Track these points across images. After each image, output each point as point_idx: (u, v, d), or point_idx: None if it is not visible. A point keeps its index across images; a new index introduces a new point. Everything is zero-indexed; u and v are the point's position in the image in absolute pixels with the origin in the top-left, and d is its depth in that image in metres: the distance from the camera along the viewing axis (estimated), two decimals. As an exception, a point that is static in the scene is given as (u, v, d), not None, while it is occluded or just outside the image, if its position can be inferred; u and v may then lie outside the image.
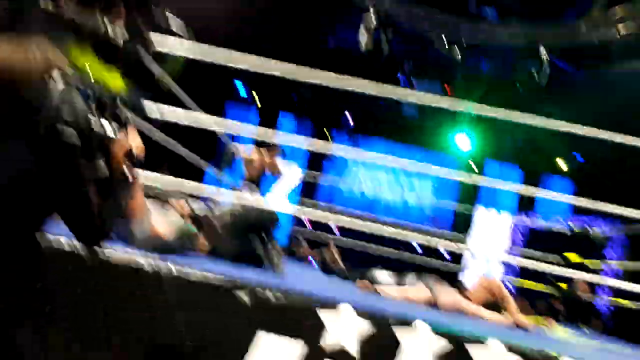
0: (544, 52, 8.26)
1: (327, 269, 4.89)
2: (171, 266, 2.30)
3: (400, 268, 8.17)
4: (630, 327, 8.03)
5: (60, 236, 2.26)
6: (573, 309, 6.80)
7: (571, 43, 8.36)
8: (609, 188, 10.65)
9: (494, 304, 3.87)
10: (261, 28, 10.48)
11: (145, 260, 2.31)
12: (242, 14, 9.59)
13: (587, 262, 5.93)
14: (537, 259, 6.03)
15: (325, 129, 13.81)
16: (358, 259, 7.60)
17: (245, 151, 5.80)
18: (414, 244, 12.59)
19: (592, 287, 8.60)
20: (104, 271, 2.26)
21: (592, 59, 9.66)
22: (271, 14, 10.16)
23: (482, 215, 13.21)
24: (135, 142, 1.63)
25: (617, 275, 10.29)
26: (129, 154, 1.61)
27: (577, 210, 12.24)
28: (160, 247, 2.66)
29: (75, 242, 2.25)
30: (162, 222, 3.02)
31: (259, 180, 5.65)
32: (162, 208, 3.28)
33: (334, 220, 3.33)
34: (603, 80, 10.24)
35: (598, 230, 9.17)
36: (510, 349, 2.21)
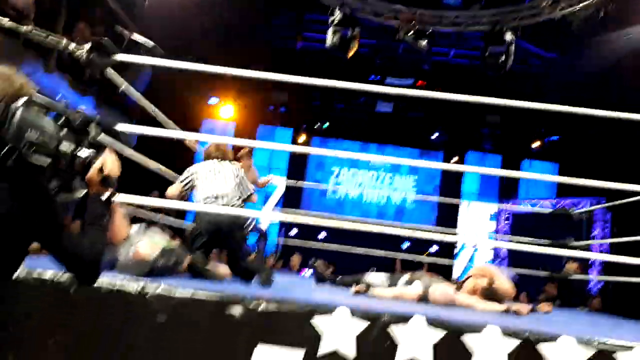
0: (509, 35, 8.40)
1: (320, 277, 4.85)
2: (159, 288, 2.25)
3: (392, 267, 8.26)
4: (625, 302, 8.12)
5: (44, 269, 2.21)
6: (567, 292, 6.84)
7: (534, 22, 8.55)
8: (588, 165, 10.84)
9: (490, 293, 3.86)
10: (228, 33, 10.49)
11: (131, 284, 2.25)
12: (208, 22, 9.61)
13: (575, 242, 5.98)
14: (525, 244, 6.06)
15: (303, 134, 13.84)
16: (350, 263, 7.57)
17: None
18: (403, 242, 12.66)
19: (584, 267, 8.68)
20: (92, 299, 2.21)
21: (556, 37, 9.88)
22: (238, 17, 10.18)
23: (466, 206, 13.29)
24: (109, 164, 1.60)
25: (603, 252, 10.42)
26: (103, 176, 1.58)
27: (560, 191, 12.43)
28: (145, 269, 2.60)
29: (60, 275, 2.20)
30: (145, 243, 2.96)
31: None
32: (145, 230, 3.22)
33: (321, 223, 3.30)
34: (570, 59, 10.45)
35: (582, 209, 9.26)
36: (506, 333, 2.20)
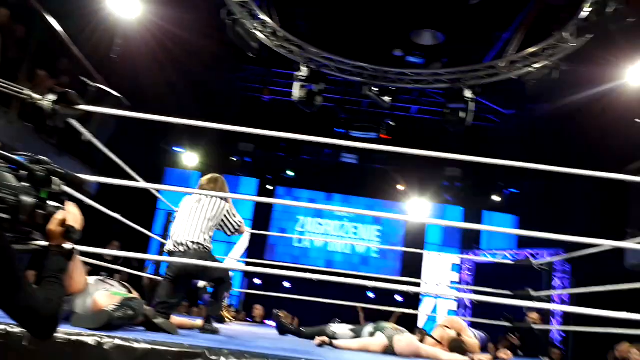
0: (469, 92, 8.76)
1: (283, 328, 4.77)
2: (117, 340, 2.17)
3: (356, 318, 8.17)
4: (585, 352, 8.20)
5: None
6: (530, 341, 6.88)
7: (491, 81, 8.98)
8: (546, 216, 11.15)
9: (457, 346, 3.86)
10: (196, 84, 10.59)
11: (89, 335, 2.17)
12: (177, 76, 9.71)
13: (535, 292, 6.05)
14: (488, 294, 6.10)
15: (268, 184, 13.86)
16: (314, 312, 7.46)
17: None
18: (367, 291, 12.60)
19: (545, 317, 8.77)
20: (47, 352, 2.11)
21: (513, 94, 10.37)
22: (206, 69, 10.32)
23: (430, 256, 13.39)
24: (72, 217, 1.57)
25: (564, 302, 10.58)
26: (65, 229, 1.55)
27: (520, 243, 12.68)
28: (103, 320, 2.51)
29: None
30: (103, 294, 2.87)
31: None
32: (104, 281, 3.12)
33: (285, 274, 3.25)
34: (526, 115, 10.89)
35: (541, 259, 9.44)
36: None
